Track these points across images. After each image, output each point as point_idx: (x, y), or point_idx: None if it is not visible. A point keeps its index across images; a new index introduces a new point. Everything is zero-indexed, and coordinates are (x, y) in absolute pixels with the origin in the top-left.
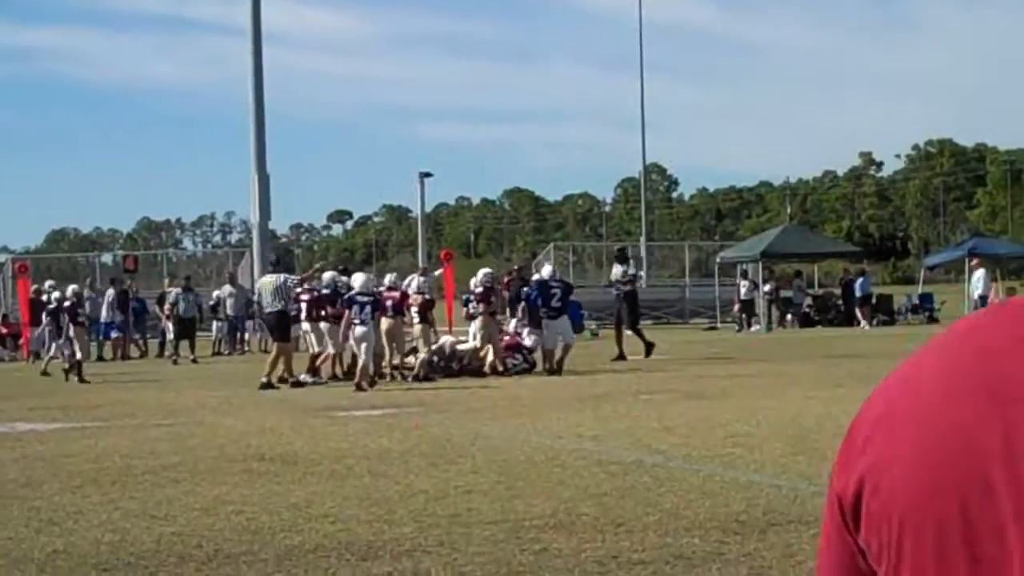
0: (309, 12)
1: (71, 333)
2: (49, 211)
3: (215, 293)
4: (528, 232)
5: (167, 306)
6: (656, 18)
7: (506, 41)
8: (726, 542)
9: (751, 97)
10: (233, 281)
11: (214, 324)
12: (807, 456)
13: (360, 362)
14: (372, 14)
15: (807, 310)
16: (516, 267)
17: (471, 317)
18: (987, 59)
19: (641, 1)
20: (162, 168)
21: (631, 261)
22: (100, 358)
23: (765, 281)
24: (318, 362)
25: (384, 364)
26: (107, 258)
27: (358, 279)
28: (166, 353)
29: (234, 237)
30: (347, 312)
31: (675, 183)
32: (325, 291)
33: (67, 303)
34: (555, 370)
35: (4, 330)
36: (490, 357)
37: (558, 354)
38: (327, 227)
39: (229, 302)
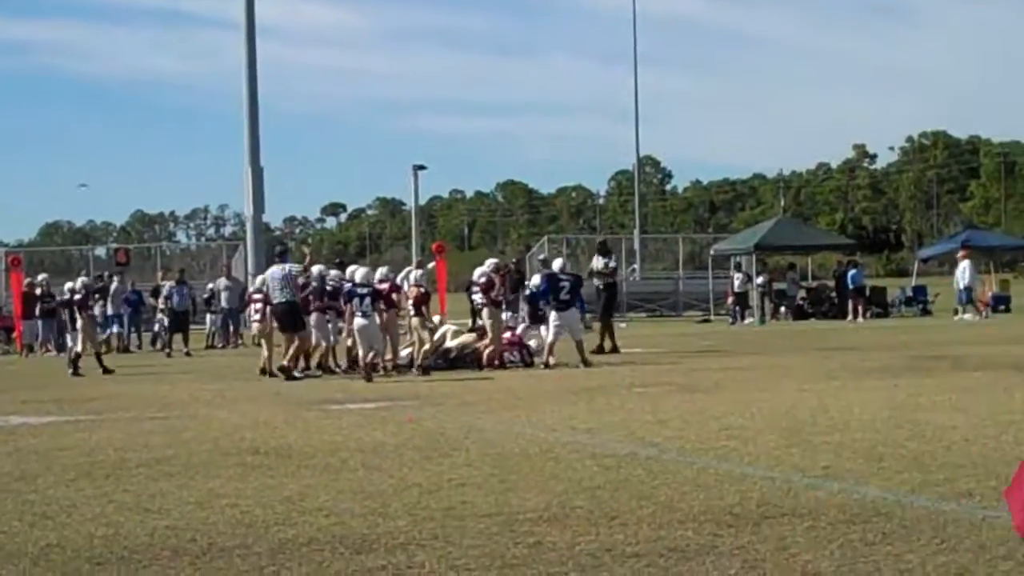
0: (304, 6)
1: (78, 325)
2: (42, 204)
3: (209, 286)
4: (522, 224)
5: (161, 299)
6: (651, 11)
7: (500, 34)
8: (720, 535)
9: (745, 90)
10: (229, 273)
11: (208, 317)
12: (801, 449)
13: (360, 354)
14: (366, 7)
15: (801, 302)
16: (514, 260)
17: (476, 311)
18: (981, 51)
19: None
20: (156, 161)
21: (612, 254)
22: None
23: (758, 273)
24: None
25: (379, 358)
26: (100, 251)
27: (358, 272)
28: (158, 346)
29: (228, 230)
30: (348, 305)
31: (669, 175)
32: (313, 283)
33: (77, 295)
34: (585, 362)
35: None
36: (489, 348)
37: (548, 340)
38: (321, 220)
39: (224, 295)
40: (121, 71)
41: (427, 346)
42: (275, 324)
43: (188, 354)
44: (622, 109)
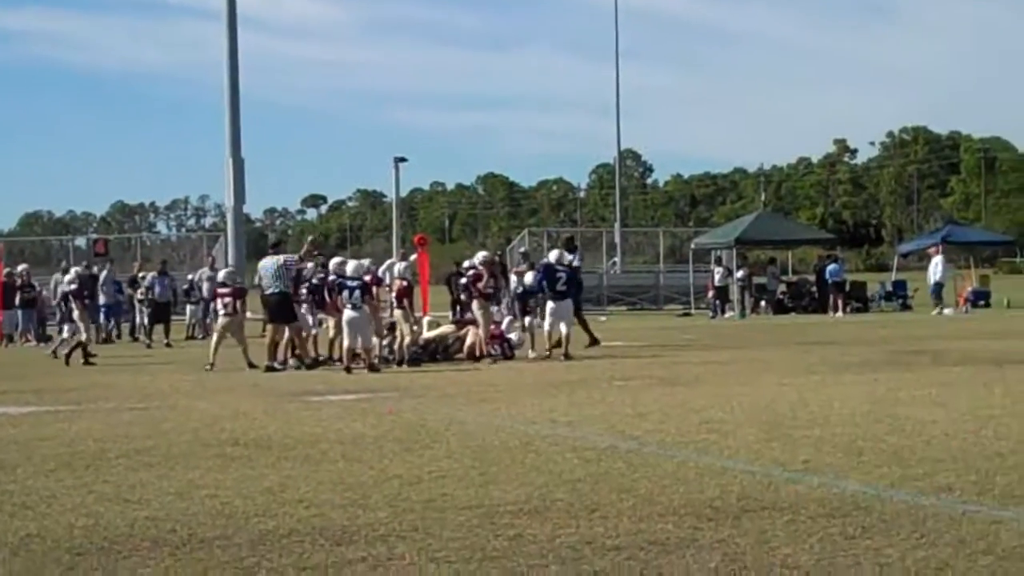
0: None
1: (75, 316)
2: (22, 194)
3: (189, 276)
4: (503, 217)
5: (141, 290)
6: (633, 5)
7: (482, 27)
8: (700, 528)
9: (726, 84)
10: (213, 264)
11: (188, 308)
12: (781, 442)
13: (348, 346)
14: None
15: (781, 297)
16: (498, 254)
17: (464, 302)
18: (962, 47)
19: None
20: (136, 152)
21: (578, 251)
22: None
23: (739, 268)
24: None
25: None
26: (81, 241)
27: (350, 265)
28: (140, 337)
29: (208, 221)
30: (337, 297)
31: (650, 169)
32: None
33: (72, 286)
34: (567, 355)
35: None
36: (470, 339)
37: (555, 336)
38: (301, 211)
39: (205, 285)
40: (102, 61)
41: (407, 339)
42: (241, 315)
43: (168, 345)
44: (603, 103)
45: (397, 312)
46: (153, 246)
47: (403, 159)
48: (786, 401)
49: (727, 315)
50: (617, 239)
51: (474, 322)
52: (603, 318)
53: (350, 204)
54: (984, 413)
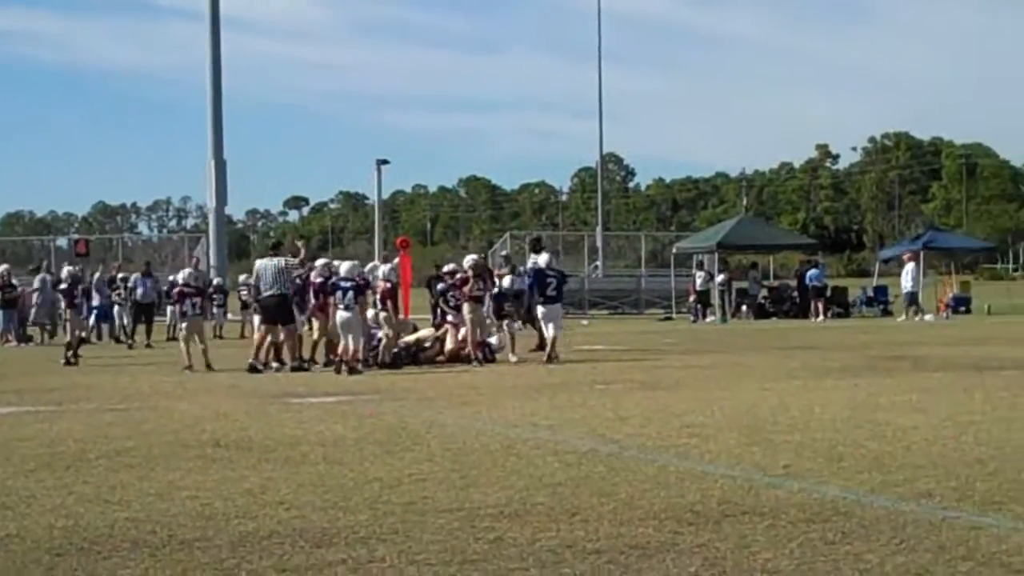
0: None
1: (66, 315)
2: (4, 194)
3: (171, 277)
4: (484, 220)
5: (120, 291)
6: (617, 9)
7: (466, 30)
8: (680, 532)
9: (709, 88)
10: (196, 265)
11: (168, 309)
12: (762, 447)
13: (347, 347)
14: (333, 0)
15: (762, 302)
16: (482, 256)
17: (452, 306)
18: (944, 53)
19: None
20: (119, 153)
21: (544, 251)
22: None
23: (720, 272)
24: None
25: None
26: (62, 242)
27: (343, 266)
28: (122, 337)
29: (190, 222)
30: (331, 298)
31: (632, 173)
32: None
33: (62, 285)
34: (552, 357)
35: None
36: (449, 341)
37: (549, 336)
38: (283, 213)
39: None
40: (85, 62)
41: (387, 342)
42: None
43: (149, 346)
44: (586, 106)
45: (381, 314)
46: (135, 247)
47: (385, 161)
48: (767, 406)
49: (708, 319)
50: (599, 243)
51: (455, 325)
52: (585, 322)
53: (332, 206)
54: (964, 419)
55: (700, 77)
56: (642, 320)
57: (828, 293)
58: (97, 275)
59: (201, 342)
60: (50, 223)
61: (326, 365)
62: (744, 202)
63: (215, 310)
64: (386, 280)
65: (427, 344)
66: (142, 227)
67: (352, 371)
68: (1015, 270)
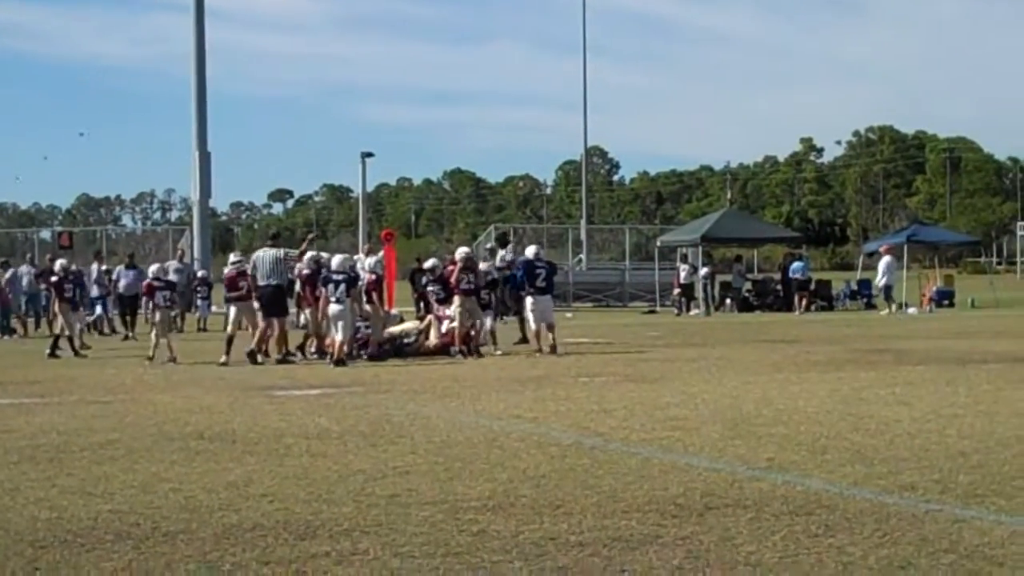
0: None
1: (56, 308)
2: None
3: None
4: (469, 213)
5: (95, 285)
6: (601, 2)
7: (450, 22)
8: (664, 525)
9: (693, 82)
10: (182, 258)
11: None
12: (745, 440)
13: (336, 339)
14: None
15: (746, 295)
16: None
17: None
18: (928, 46)
19: None
20: (102, 145)
21: (510, 246)
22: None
23: (704, 265)
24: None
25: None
26: (46, 234)
27: (335, 259)
28: (105, 330)
29: (174, 215)
30: (323, 290)
31: (616, 166)
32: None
33: (53, 278)
34: (552, 349)
35: None
36: (433, 334)
37: (532, 328)
38: (268, 206)
39: (173, 278)
40: (70, 54)
41: (374, 335)
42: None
43: (128, 338)
44: (571, 99)
45: (367, 307)
46: (119, 239)
47: (370, 154)
48: (750, 399)
49: (692, 312)
50: (583, 236)
51: (439, 318)
52: (569, 315)
53: (316, 199)
54: (947, 412)
55: (685, 71)
56: (626, 313)
57: (812, 286)
58: (95, 266)
59: (163, 335)
60: (34, 215)
61: (313, 354)
62: (728, 195)
63: (199, 302)
64: (372, 272)
65: (410, 338)
66: (126, 220)
67: (339, 363)
68: (999, 264)
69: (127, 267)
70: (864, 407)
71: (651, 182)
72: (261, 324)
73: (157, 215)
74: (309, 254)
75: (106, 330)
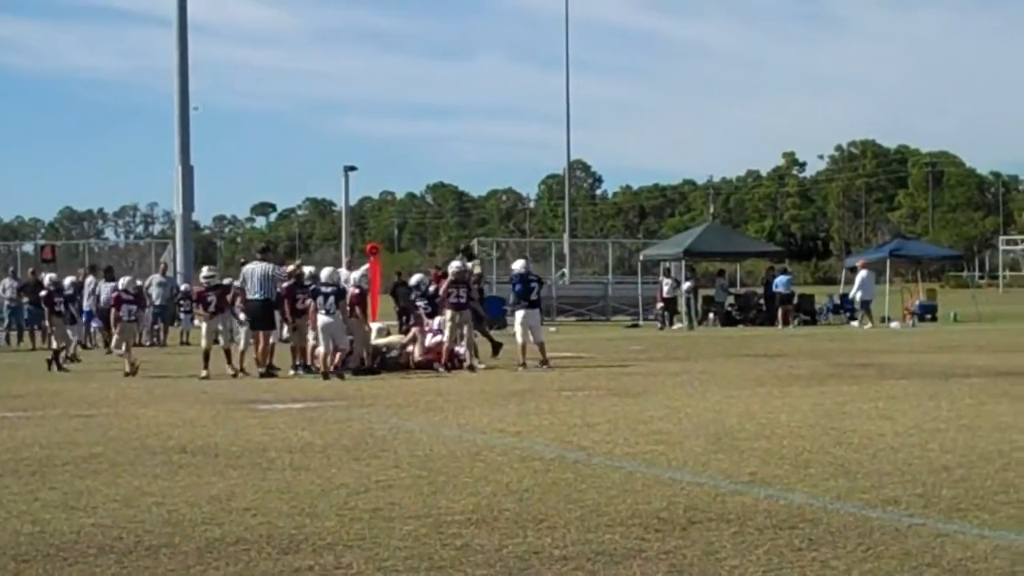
0: (236, 4)
1: (48, 323)
2: None
3: (138, 283)
4: (452, 227)
5: (88, 297)
6: (584, 16)
7: (433, 37)
8: (647, 539)
9: (676, 96)
10: (164, 271)
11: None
12: (728, 454)
13: (319, 351)
14: (299, 7)
15: (729, 309)
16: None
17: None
18: (911, 61)
19: None
20: (85, 158)
21: (477, 259)
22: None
23: (687, 279)
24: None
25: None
26: (28, 247)
27: (323, 271)
28: (88, 344)
29: (157, 228)
30: (312, 303)
31: (599, 180)
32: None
33: (43, 292)
34: (544, 363)
35: None
36: (417, 349)
37: (519, 341)
38: (250, 219)
39: (156, 291)
40: (53, 67)
41: (359, 348)
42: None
43: (111, 352)
44: (554, 113)
45: (351, 320)
46: (101, 253)
47: (353, 168)
48: (733, 413)
49: (675, 326)
50: (566, 249)
51: (423, 331)
52: (552, 328)
53: (299, 212)
54: (930, 426)
55: (667, 85)
56: (609, 327)
57: (795, 301)
58: (90, 279)
59: (120, 347)
60: (16, 228)
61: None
62: (711, 210)
63: (182, 316)
64: (356, 286)
65: (393, 352)
66: (109, 233)
67: (326, 375)
68: (981, 278)
69: (106, 280)
70: (847, 421)
71: (634, 196)
72: (263, 342)
73: (140, 228)
74: (324, 268)
75: (89, 344)
